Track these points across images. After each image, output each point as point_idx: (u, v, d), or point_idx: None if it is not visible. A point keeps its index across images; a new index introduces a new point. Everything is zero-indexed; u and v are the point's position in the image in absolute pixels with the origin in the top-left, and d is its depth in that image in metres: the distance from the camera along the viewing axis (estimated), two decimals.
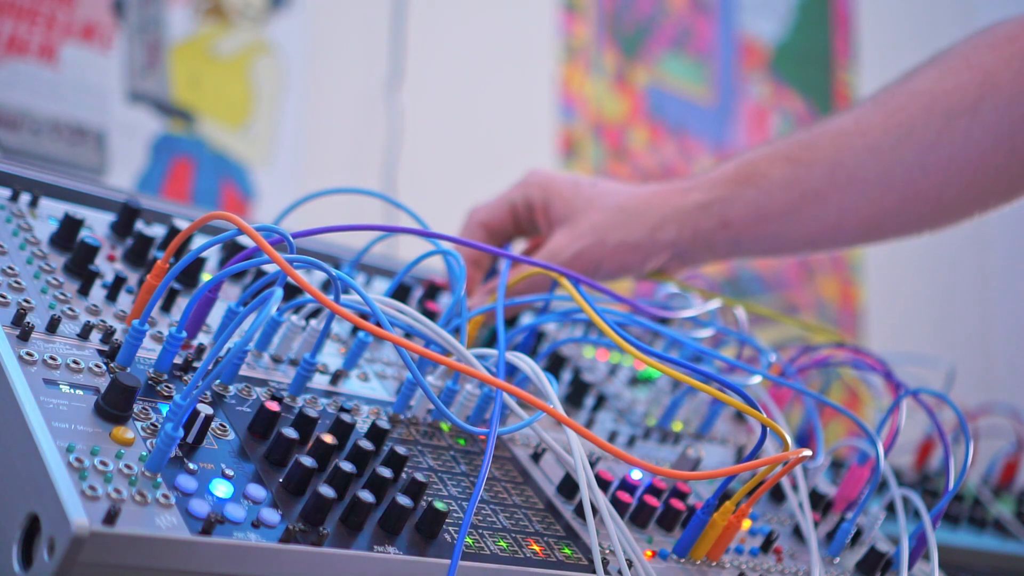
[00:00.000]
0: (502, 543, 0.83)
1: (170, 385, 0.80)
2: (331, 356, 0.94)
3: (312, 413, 0.82)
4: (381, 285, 1.12)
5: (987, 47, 1.11)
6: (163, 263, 0.82)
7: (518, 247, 1.20)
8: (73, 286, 0.86)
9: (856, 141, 1.13)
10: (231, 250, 0.99)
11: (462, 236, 1.17)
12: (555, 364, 1.11)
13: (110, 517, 0.67)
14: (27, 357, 0.75)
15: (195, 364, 0.83)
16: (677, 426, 1.14)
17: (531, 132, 2.26)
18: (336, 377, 0.91)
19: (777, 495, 1.08)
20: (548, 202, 1.14)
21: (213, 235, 0.92)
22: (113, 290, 0.87)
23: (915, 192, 1.13)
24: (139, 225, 0.97)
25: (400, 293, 1.07)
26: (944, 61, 1.13)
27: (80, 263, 0.87)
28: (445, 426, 0.93)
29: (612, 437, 1.05)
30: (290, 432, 0.79)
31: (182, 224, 0.96)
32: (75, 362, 0.77)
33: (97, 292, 0.86)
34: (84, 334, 0.80)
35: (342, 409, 0.88)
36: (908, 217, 1.15)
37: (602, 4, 2.38)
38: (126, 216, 0.96)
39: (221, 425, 0.80)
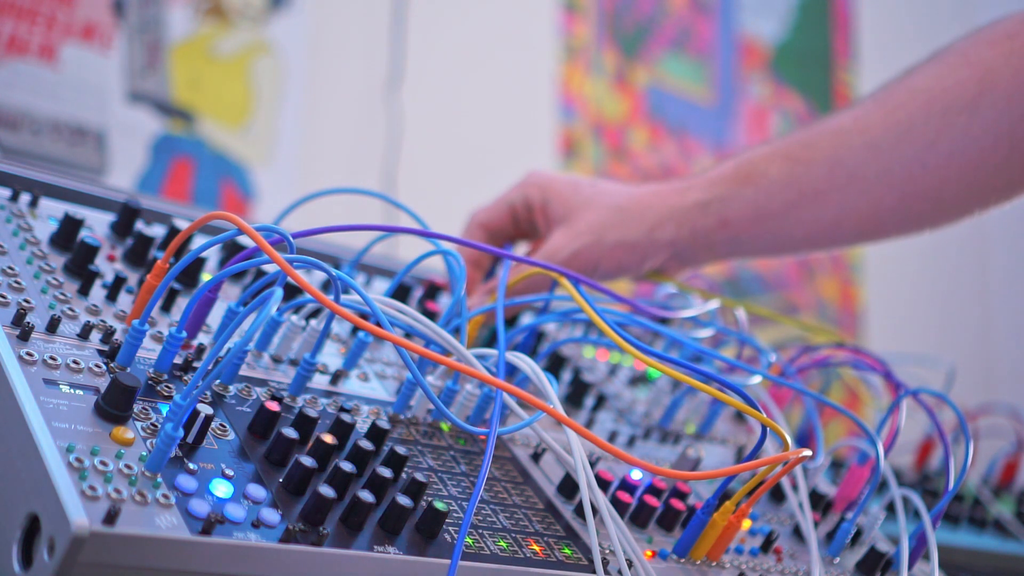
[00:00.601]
0: (502, 543, 0.83)
1: (170, 385, 0.80)
2: (331, 356, 0.94)
3: (312, 413, 0.82)
4: (381, 285, 1.12)
5: (986, 44, 1.11)
6: (163, 263, 0.82)
7: (519, 249, 1.20)
8: (73, 286, 0.86)
9: (855, 139, 1.13)
10: (231, 250, 0.99)
11: (462, 238, 1.17)
12: (555, 364, 1.11)
13: (110, 517, 0.67)
14: (27, 357, 0.75)
15: (195, 364, 0.83)
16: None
17: (531, 132, 2.26)
18: (336, 377, 0.91)
19: (777, 495, 1.08)
20: (546, 202, 1.14)
21: (213, 235, 0.92)
22: (113, 290, 0.87)
23: (915, 190, 1.12)
24: (139, 225, 0.97)
25: (400, 293, 1.07)
26: (943, 58, 1.13)
27: (80, 263, 0.87)
28: (445, 426, 0.93)
29: (612, 437, 1.05)
30: (290, 432, 0.79)
31: (182, 224, 0.96)
32: (75, 362, 0.77)
33: (97, 292, 0.86)
34: (84, 334, 0.80)
35: (342, 409, 0.88)
36: (908, 215, 1.15)
37: (602, 4, 2.38)
38: (126, 216, 0.96)
39: (221, 425, 0.80)
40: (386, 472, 0.80)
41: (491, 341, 1.08)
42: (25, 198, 0.93)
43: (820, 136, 1.14)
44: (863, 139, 1.12)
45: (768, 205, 1.13)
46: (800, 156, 1.13)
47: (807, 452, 0.83)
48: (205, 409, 0.76)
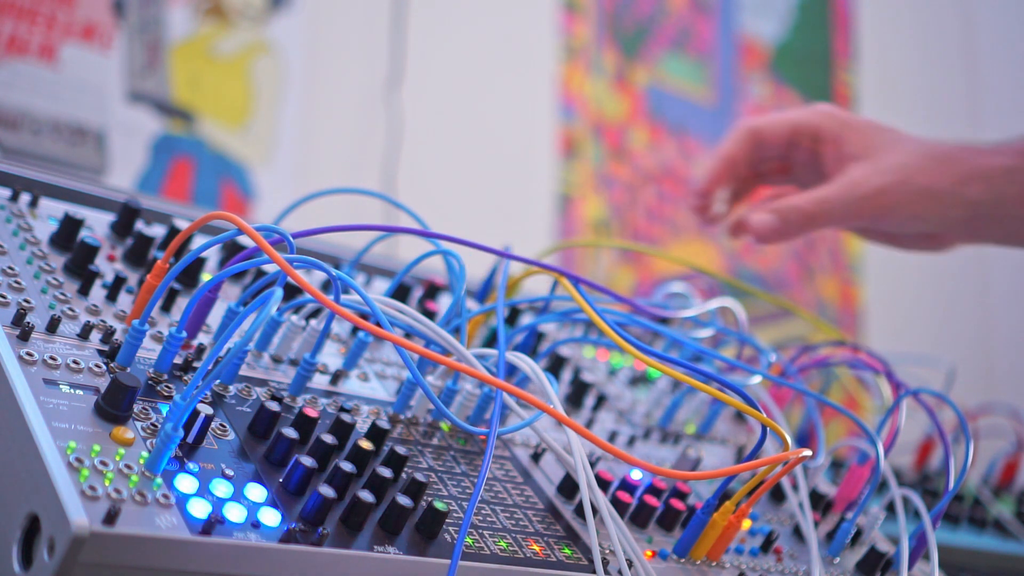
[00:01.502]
0: (502, 543, 0.83)
1: (170, 385, 0.80)
2: (331, 356, 0.94)
3: (312, 413, 0.82)
4: (381, 285, 1.12)
5: None
6: (163, 263, 0.82)
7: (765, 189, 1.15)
8: (73, 286, 0.86)
9: None
10: (231, 250, 0.99)
11: (729, 139, 1.14)
12: (555, 364, 1.11)
13: (110, 517, 0.67)
14: (27, 357, 0.75)
15: (195, 364, 0.83)
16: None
17: (531, 132, 2.26)
18: (336, 377, 0.91)
19: (777, 495, 1.08)
20: (841, 136, 1.11)
21: (213, 235, 0.92)
22: (113, 290, 0.87)
23: None
24: (139, 225, 0.97)
25: (400, 293, 1.07)
26: None
27: (80, 263, 0.87)
28: (445, 426, 0.93)
29: (612, 437, 1.05)
30: (290, 432, 0.79)
31: (182, 224, 0.96)
32: (75, 362, 0.77)
33: (97, 292, 0.86)
34: (84, 334, 0.80)
35: (342, 409, 0.88)
36: None
37: (602, 4, 2.38)
38: (126, 216, 0.96)
39: (221, 425, 0.80)
40: (386, 472, 0.80)
41: (491, 341, 1.08)
42: (25, 198, 0.93)
43: None
44: None
45: None
46: None
47: (807, 452, 0.83)
48: (205, 409, 0.76)
